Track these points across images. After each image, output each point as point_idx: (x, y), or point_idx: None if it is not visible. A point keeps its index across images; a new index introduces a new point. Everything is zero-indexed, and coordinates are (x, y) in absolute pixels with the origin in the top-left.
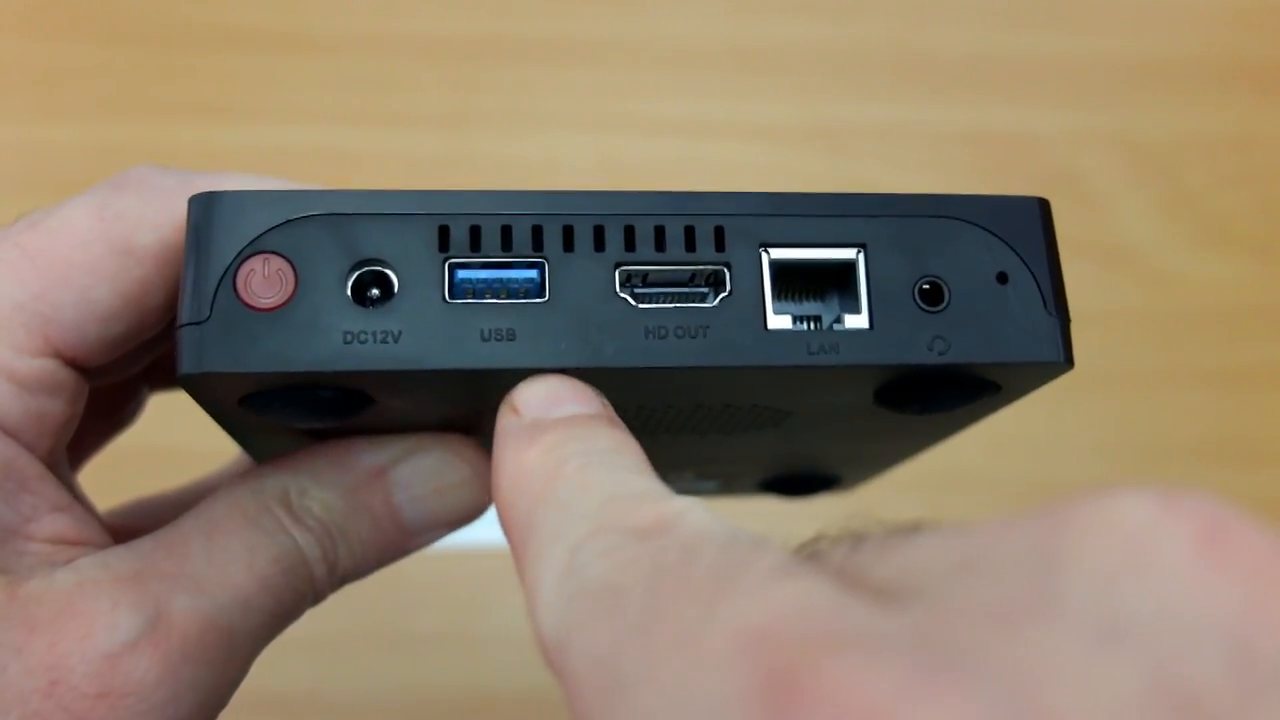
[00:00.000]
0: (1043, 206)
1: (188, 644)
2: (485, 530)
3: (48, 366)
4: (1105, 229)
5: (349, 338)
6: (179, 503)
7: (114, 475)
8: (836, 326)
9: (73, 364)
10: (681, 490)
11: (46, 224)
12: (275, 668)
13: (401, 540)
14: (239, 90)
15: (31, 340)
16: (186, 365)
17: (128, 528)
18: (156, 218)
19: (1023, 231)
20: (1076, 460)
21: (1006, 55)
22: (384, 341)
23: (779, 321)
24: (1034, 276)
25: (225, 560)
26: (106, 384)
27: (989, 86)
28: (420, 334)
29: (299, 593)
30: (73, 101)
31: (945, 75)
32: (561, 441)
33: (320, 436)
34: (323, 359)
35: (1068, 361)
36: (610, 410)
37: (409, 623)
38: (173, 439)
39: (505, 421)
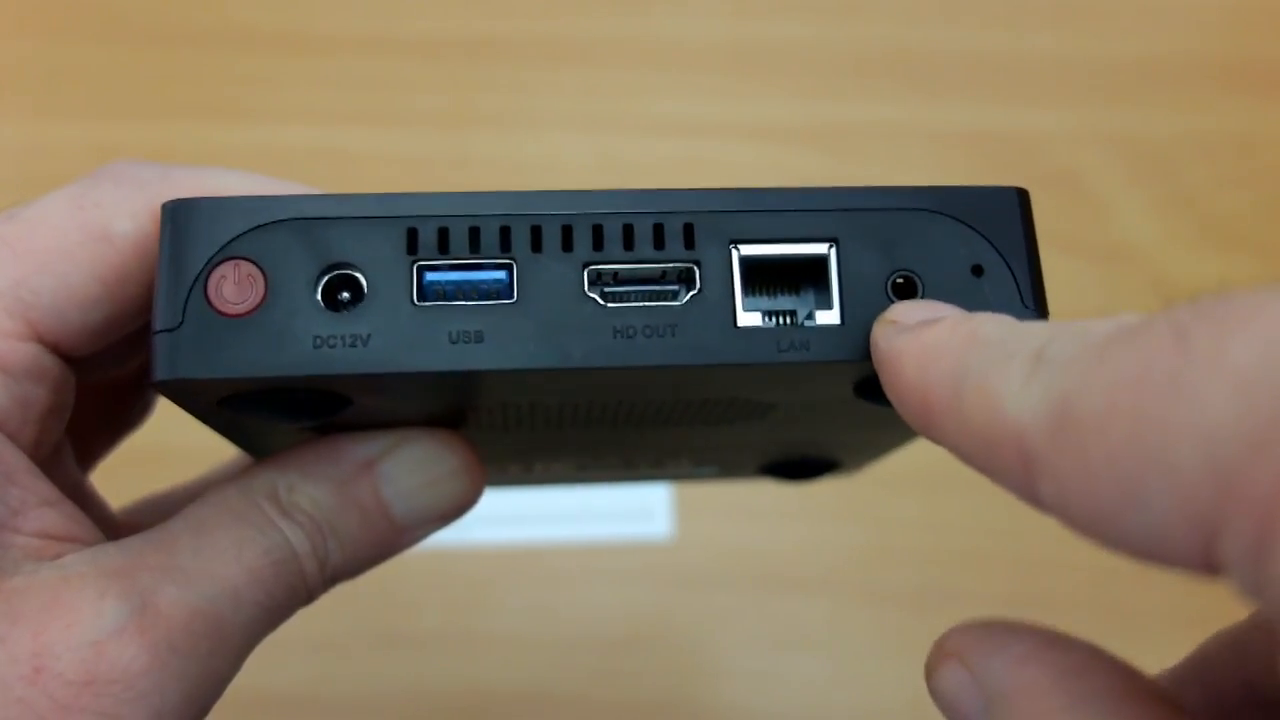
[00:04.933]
0: (1021, 197)
1: (175, 633)
2: (485, 530)
3: (30, 351)
4: (1105, 229)
5: (319, 342)
6: (189, 499)
7: (120, 475)
8: (808, 323)
9: (56, 350)
10: (680, 476)
11: (24, 214)
12: (275, 668)
13: (392, 536)
14: (239, 90)
15: (14, 325)
16: (160, 372)
17: (140, 525)
18: (133, 206)
19: (999, 223)
20: None
21: (1006, 55)
22: (353, 345)
23: (749, 319)
24: (1010, 269)
25: (213, 554)
26: (110, 383)
27: (989, 86)
28: (389, 337)
29: (290, 587)
30: (73, 101)
31: (945, 75)
32: (963, 318)
33: (314, 433)
34: (293, 364)
35: None
36: None
37: (409, 623)
38: (180, 439)
39: (885, 329)
